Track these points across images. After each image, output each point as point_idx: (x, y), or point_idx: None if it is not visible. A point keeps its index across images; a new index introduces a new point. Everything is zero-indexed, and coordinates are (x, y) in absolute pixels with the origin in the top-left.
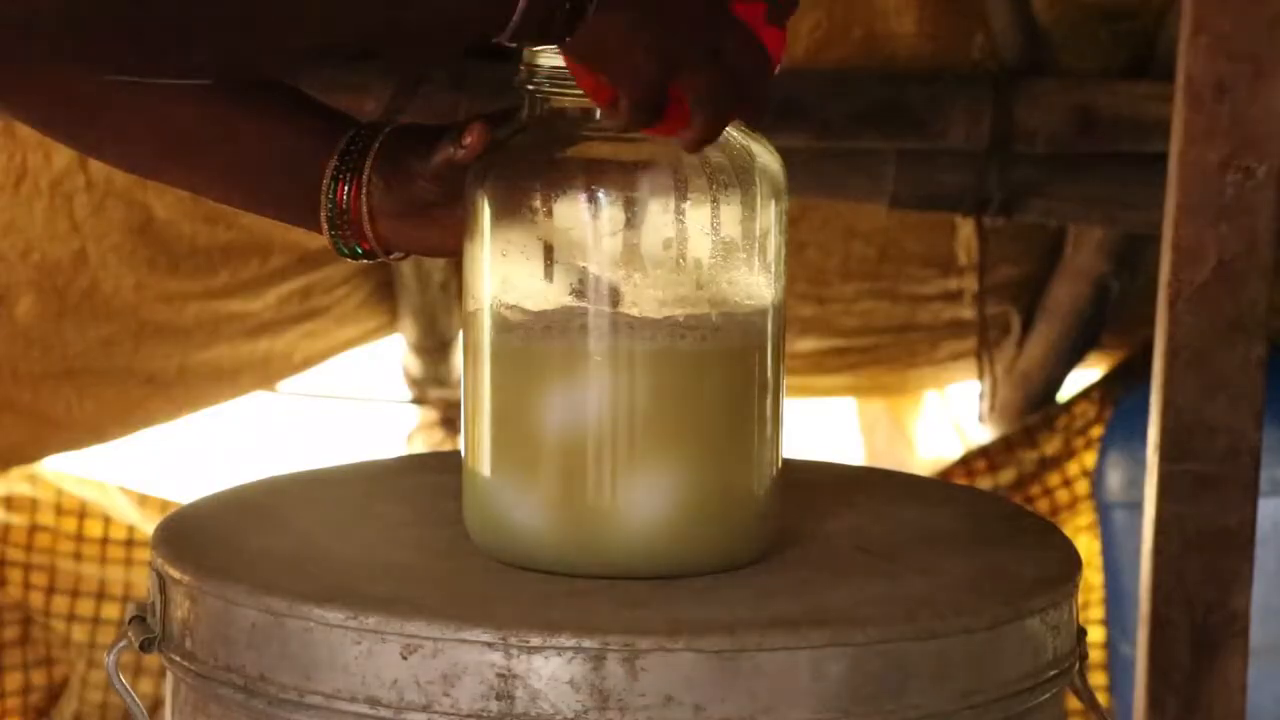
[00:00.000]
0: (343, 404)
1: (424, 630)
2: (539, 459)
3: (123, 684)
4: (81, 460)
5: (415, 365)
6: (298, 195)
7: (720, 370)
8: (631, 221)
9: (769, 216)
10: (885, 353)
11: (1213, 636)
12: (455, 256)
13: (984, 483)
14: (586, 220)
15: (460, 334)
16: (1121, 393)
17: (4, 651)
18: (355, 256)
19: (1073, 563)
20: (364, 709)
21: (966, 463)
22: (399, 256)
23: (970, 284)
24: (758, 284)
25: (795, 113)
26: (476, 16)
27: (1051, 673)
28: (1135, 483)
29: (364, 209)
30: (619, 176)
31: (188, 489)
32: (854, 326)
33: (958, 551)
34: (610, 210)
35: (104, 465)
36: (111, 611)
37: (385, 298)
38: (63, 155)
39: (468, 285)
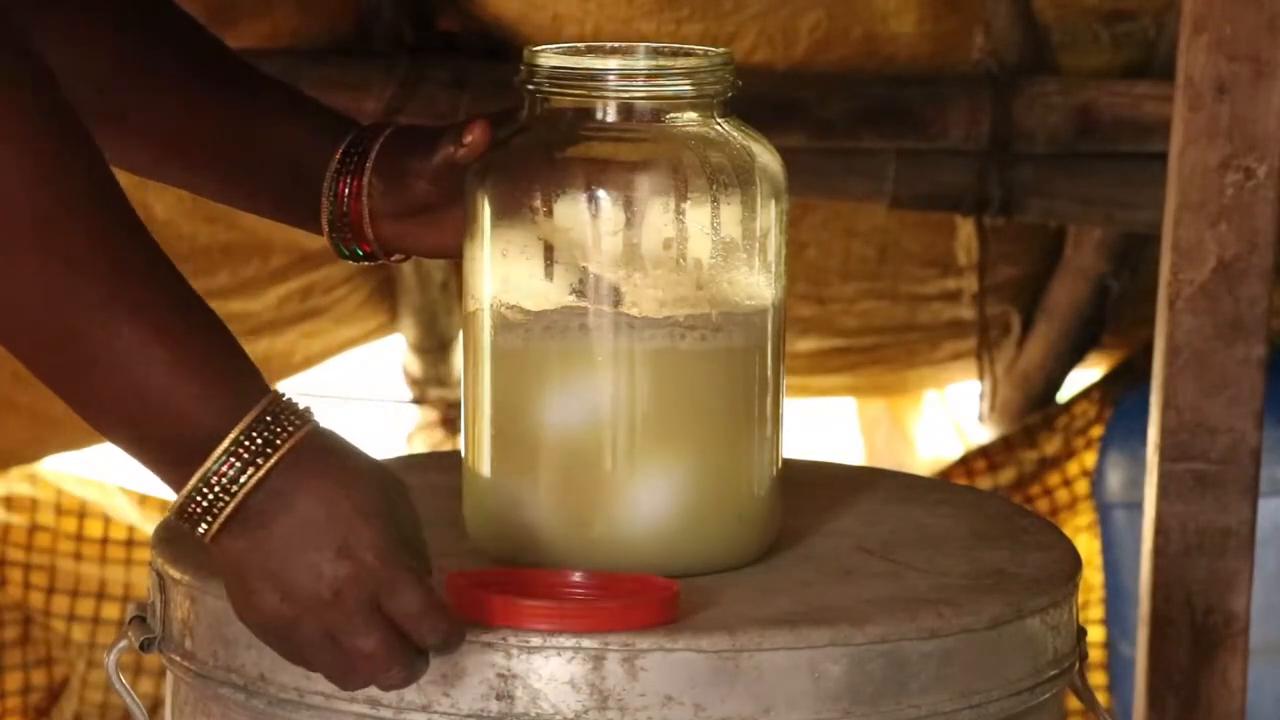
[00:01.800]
0: (343, 404)
1: None
2: (539, 459)
3: (123, 684)
4: (81, 460)
5: (415, 365)
6: (298, 197)
7: (720, 370)
8: (631, 221)
9: (769, 216)
10: (885, 353)
11: (1213, 636)
12: (456, 258)
13: (984, 483)
14: (586, 220)
15: (460, 334)
16: (1121, 393)
17: (4, 651)
18: (356, 259)
19: (1073, 563)
20: (364, 709)
21: (966, 463)
22: (399, 258)
23: (970, 284)
24: (758, 284)
25: (795, 113)
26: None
27: (1051, 673)
28: (1135, 483)
29: (364, 211)
30: (619, 176)
31: None
32: (854, 326)
33: (958, 551)
34: (610, 210)
35: (104, 465)
36: (111, 611)
37: (385, 298)
38: None
39: (468, 285)
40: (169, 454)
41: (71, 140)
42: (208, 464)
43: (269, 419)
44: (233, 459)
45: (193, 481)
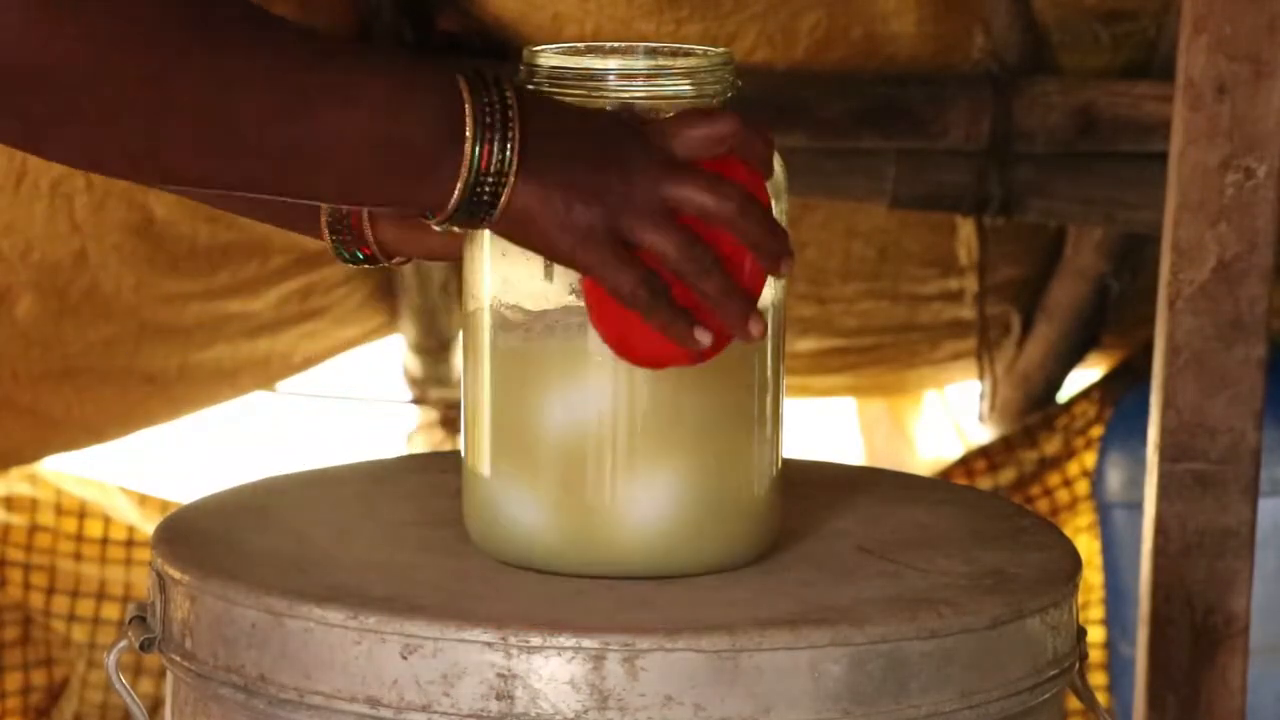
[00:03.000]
0: (343, 404)
1: (424, 630)
2: (539, 459)
3: (123, 684)
4: (81, 460)
5: (415, 365)
6: (298, 203)
7: (720, 370)
8: None
9: None
10: (885, 353)
11: (1213, 636)
12: (456, 261)
13: (984, 483)
14: None
15: (460, 334)
16: (1121, 393)
17: (4, 651)
18: (356, 262)
19: (1073, 563)
20: (364, 709)
21: (966, 463)
22: (400, 261)
23: (970, 284)
24: None
25: (795, 113)
26: (405, 200)
27: (1051, 673)
28: (1135, 483)
29: (364, 214)
30: None
31: (188, 489)
32: (854, 326)
33: (958, 551)
34: None
35: (104, 465)
36: (111, 611)
37: (385, 298)
38: None
39: (468, 285)
40: (422, 175)
41: None
42: (467, 160)
43: (485, 98)
44: (484, 144)
45: (463, 179)
